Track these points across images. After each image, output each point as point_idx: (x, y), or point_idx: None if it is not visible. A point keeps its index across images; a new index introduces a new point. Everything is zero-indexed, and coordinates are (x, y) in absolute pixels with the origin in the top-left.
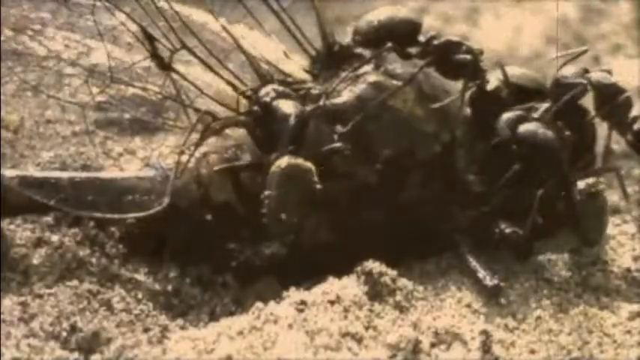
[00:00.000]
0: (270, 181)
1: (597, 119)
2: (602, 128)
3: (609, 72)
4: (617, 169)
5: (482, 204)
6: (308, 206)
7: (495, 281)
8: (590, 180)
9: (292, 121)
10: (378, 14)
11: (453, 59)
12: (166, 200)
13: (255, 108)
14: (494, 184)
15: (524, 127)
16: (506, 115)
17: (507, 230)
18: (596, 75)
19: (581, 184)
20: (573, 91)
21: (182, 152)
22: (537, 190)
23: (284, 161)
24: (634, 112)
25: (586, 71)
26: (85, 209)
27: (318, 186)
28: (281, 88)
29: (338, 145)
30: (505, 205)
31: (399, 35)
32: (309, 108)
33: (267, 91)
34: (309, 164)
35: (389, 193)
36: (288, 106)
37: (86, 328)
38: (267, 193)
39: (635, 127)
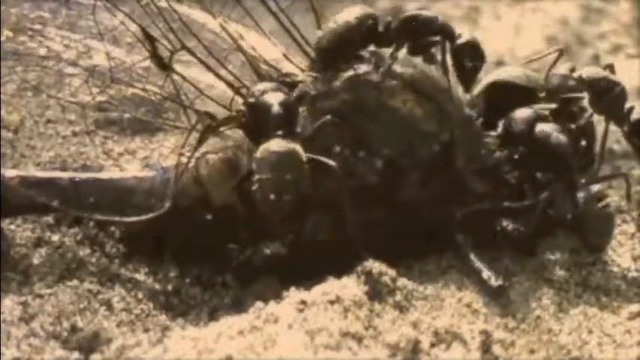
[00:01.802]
0: (257, 164)
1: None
2: (600, 127)
3: (611, 67)
4: (626, 175)
5: (483, 202)
6: (298, 185)
7: (500, 281)
8: (597, 186)
9: (276, 107)
10: (332, 24)
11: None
12: (167, 204)
13: (246, 105)
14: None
15: (540, 127)
16: (524, 112)
17: (510, 227)
18: (587, 71)
19: (587, 191)
20: (568, 92)
21: (182, 153)
22: (542, 190)
23: (270, 144)
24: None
25: (573, 69)
26: (86, 210)
27: (306, 164)
28: (273, 85)
29: (326, 118)
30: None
31: (361, 35)
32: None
33: (258, 88)
34: (294, 144)
35: (389, 193)
36: (272, 97)
37: (86, 328)
38: (256, 177)
39: (632, 117)
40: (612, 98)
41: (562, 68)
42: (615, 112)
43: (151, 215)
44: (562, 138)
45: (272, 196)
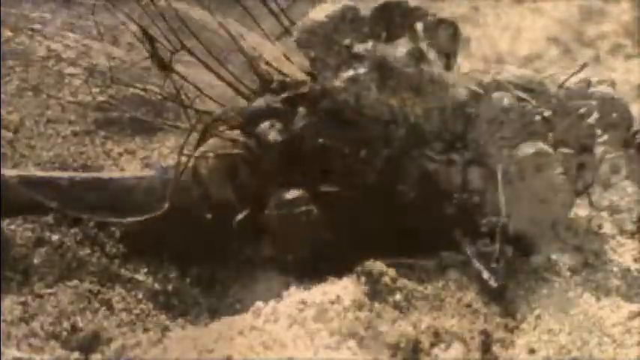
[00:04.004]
0: (269, 221)
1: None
2: None
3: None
4: None
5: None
6: (310, 236)
7: (500, 281)
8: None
9: (275, 148)
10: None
11: None
12: (166, 205)
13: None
14: None
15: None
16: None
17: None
18: (600, 90)
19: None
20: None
21: (182, 153)
22: None
23: (280, 199)
24: (636, 126)
25: (589, 84)
26: (86, 210)
27: (315, 211)
28: (268, 105)
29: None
30: None
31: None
32: (298, 125)
33: (255, 111)
34: (303, 194)
35: (389, 193)
36: (272, 134)
37: (86, 328)
38: (270, 231)
39: (637, 140)
40: (618, 120)
41: (576, 80)
42: (620, 134)
43: (150, 215)
44: (507, 102)
45: (289, 257)
